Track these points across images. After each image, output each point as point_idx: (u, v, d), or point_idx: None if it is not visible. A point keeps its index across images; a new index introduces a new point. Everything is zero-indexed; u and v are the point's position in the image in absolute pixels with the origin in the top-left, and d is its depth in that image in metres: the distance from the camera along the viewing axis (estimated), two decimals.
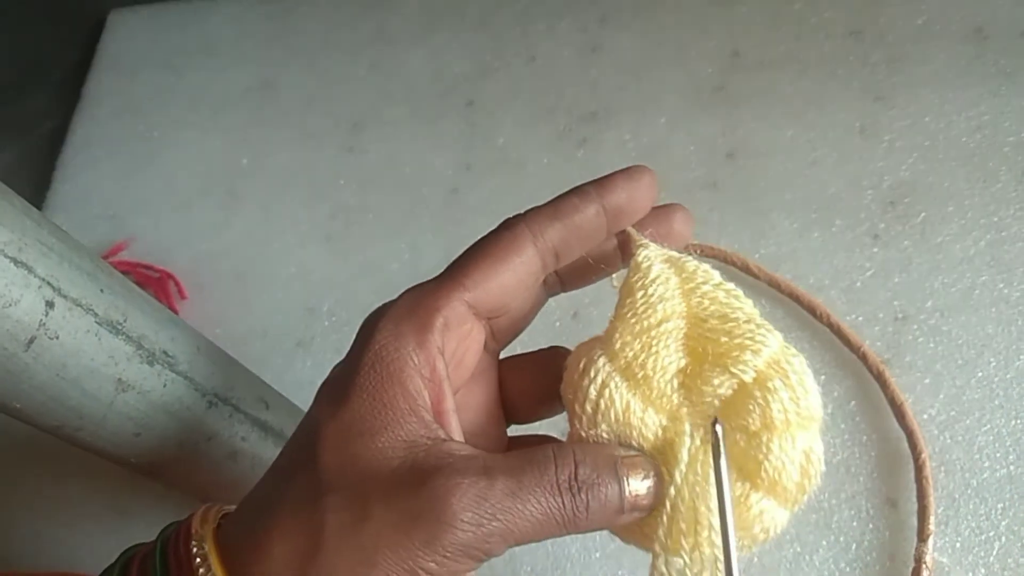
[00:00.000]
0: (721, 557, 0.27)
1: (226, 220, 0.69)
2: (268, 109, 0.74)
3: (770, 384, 0.27)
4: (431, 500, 0.25)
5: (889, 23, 0.65)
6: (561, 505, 0.26)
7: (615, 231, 0.31)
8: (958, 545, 0.47)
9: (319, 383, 0.64)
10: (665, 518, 0.28)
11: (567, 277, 0.32)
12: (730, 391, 0.28)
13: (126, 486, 0.57)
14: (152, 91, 0.78)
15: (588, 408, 0.28)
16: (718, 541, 0.27)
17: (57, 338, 0.34)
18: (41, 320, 0.33)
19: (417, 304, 0.28)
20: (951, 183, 0.58)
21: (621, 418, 0.28)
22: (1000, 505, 0.48)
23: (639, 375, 0.28)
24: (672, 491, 0.28)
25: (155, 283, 0.66)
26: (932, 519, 0.47)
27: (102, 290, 0.37)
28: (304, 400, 0.53)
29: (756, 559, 0.49)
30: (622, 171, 0.30)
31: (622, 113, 0.67)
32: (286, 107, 0.74)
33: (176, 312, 0.65)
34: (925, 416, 0.51)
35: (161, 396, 0.39)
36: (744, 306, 0.29)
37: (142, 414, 0.39)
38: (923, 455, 0.49)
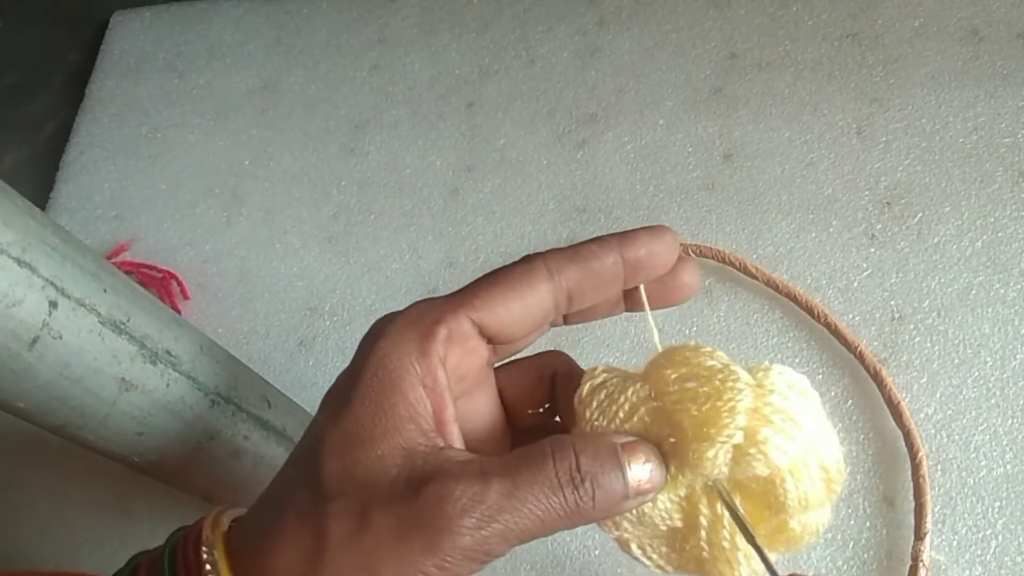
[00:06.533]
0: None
1: (229, 221, 0.70)
2: (270, 111, 0.75)
3: (760, 437, 0.27)
4: (427, 507, 0.25)
5: (885, 25, 0.66)
6: (564, 499, 0.26)
7: (631, 285, 0.31)
8: (955, 543, 0.48)
9: (321, 382, 0.64)
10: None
11: (569, 314, 0.32)
12: (728, 455, 0.27)
13: (129, 485, 0.58)
14: (155, 92, 0.78)
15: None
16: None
17: (60, 338, 0.34)
18: (44, 320, 0.34)
19: (423, 315, 0.28)
20: (947, 184, 0.58)
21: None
22: (997, 503, 0.48)
23: None
24: (705, 553, 0.29)
25: (158, 283, 0.67)
26: (929, 517, 0.48)
27: (105, 290, 0.37)
28: (306, 399, 0.53)
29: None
30: (646, 228, 0.30)
31: (621, 115, 0.67)
32: (288, 109, 0.75)
33: (179, 312, 0.65)
34: (922, 415, 0.51)
35: (164, 395, 0.40)
36: (703, 361, 0.29)
37: (145, 413, 0.39)
38: (920, 454, 0.49)
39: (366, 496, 0.26)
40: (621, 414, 0.29)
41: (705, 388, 0.27)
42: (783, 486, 0.28)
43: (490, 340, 0.30)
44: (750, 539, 0.28)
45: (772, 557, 0.29)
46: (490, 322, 0.29)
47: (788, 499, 0.28)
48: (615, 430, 0.28)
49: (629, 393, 0.29)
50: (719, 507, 0.29)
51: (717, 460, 0.27)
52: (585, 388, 0.30)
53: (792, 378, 0.28)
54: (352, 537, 0.25)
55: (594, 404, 0.29)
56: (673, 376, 0.28)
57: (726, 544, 0.28)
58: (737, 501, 0.29)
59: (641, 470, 0.27)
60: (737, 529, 0.28)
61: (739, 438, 0.27)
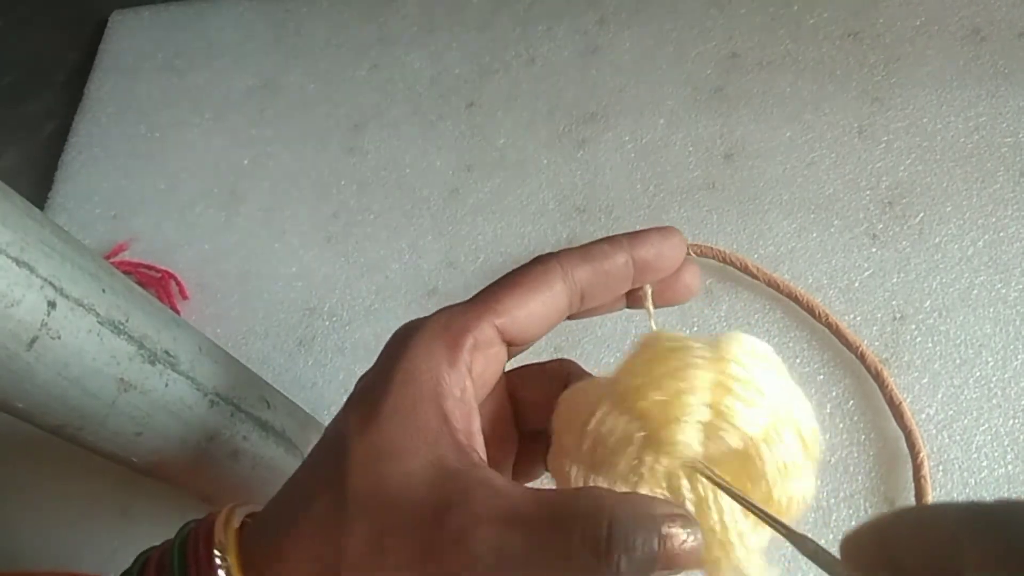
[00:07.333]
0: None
1: (228, 220, 0.69)
2: (269, 110, 0.75)
3: (724, 408, 0.26)
4: (449, 540, 0.24)
5: (887, 24, 0.66)
6: (586, 567, 0.24)
7: (637, 284, 0.31)
8: None
9: (320, 382, 0.64)
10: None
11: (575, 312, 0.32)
12: (699, 433, 0.27)
13: (129, 486, 0.58)
14: (154, 91, 0.78)
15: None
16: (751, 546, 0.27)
17: (59, 338, 0.34)
18: (43, 320, 0.34)
19: (449, 323, 0.28)
20: (949, 183, 0.58)
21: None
22: None
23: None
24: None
25: (157, 283, 0.66)
26: None
27: (104, 290, 0.37)
28: (305, 399, 0.53)
29: None
30: (655, 228, 0.31)
31: (621, 114, 0.67)
32: (287, 108, 0.74)
33: (178, 312, 0.65)
34: (923, 415, 0.51)
35: (163, 396, 0.40)
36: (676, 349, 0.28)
37: (144, 414, 0.39)
38: (921, 454, 0.49)
39: (389, 518, 0.25)
40: (583, 416, 0.28)
41: (662, 369, 0.27)
42: (759, 455, 0.27)
43: (509, 343, 0.30)
44: (747, 504, 0.26)
45: (766, 537, 0.28)
46: (511, 327, 0.29)
47: (767, 468, 0.27)
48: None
49: (590, 394, 0.29)
50: (701, 488, 0.27)
51: (690, 440, 0.27)
52: (557, 406, 0.30)
53: (751, 345, 0.28)
54: (369, 560, 0.25)
55: (561, 418, 0.29)
56: (633, 365, 0.28)
57: (716, 527, 0.27)
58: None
59: (680, 547, 0.24)
60: (724, 508, 0.27)
61: (705, 414, 0.26)
